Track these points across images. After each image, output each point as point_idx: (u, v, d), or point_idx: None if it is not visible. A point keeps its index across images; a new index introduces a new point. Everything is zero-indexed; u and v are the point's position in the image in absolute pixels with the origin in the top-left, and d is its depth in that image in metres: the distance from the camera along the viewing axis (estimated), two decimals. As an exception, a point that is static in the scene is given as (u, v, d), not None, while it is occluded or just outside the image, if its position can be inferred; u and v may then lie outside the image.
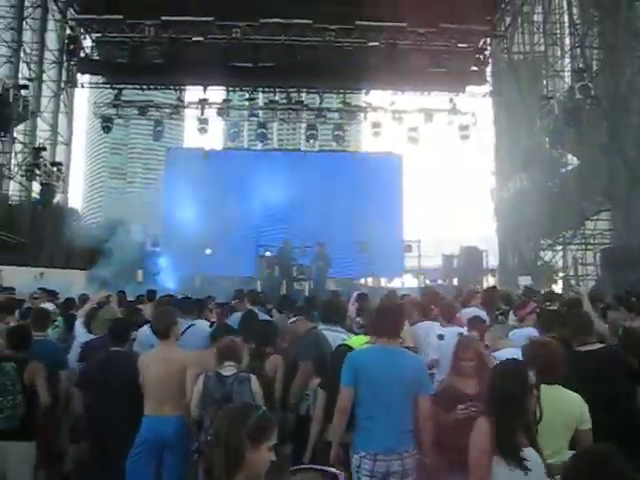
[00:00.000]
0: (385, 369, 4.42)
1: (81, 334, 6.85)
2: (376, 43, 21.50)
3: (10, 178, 20.90)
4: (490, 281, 20.44)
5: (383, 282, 22.65)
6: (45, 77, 22.88)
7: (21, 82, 20.21)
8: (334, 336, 6.14)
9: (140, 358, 5.58)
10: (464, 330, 6.36)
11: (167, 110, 25.43)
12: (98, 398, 5.56)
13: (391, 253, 22.78)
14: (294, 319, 6.96)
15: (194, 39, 20.47)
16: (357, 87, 24.71)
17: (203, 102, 24.02)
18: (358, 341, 5.26)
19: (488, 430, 3.39)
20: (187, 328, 6.81)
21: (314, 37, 21.19)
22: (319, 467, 2.43)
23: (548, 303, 8.85)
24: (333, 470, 2.42)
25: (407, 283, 22.64)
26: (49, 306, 8.55)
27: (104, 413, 5.46)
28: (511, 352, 5.01)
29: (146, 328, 7.05)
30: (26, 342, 5.53)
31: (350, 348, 5.09)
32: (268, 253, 20.38)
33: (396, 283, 22.62)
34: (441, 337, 6.44)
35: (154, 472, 5.27)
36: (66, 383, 6.02)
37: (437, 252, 23.48)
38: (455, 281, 20.55)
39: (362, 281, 23.14)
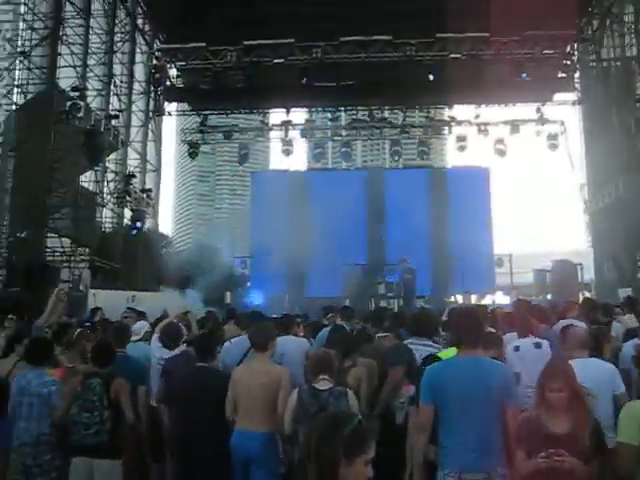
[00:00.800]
0: (465, 382, 3.99)
1: (156, 348, 6.91)
2: (458, 55, 20.99)
3: (103, 206, 21.56)
4: (587, 296, 19.55)
5: (474, 299, 22.05)
6: (134, 107, 23.62)
7: (111, 113, 20.91)
8: (423, 350, 5.92)
9: (233, 372, 5.52)
10: (541, 340, 5.95)
11: (251, 133, 25.87)
12: (185, 415, 5.48)
13: (482, 268, 22.26)
14: (383, 334, 6.85)
15: (275, 61, 20.73)
16: (440, 101, 24.39)
17: (287, 124, 24.29)
18: (449, 354, 4.88)
19: None
20: None
21: (395, 53, 21.00)
22: None
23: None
24: None
25: (498, 301, 21.98)
26: (144, 325, 8.67)
27: (190, 430, 5.35)
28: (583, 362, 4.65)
29: (227, 345, 7.08)
30: (110, 358, 5.56)
31: (439, 359, 4.82)
32: (355, 271, 20.22)
33: (486, 300, 21.97)
34: (517, 349, 5.97)
35: None
36: (145, 400, 6.04)
37: (527, 267, 22.74)
38: (549, 297, 19.83)
39: (452, 299, 22.64)
